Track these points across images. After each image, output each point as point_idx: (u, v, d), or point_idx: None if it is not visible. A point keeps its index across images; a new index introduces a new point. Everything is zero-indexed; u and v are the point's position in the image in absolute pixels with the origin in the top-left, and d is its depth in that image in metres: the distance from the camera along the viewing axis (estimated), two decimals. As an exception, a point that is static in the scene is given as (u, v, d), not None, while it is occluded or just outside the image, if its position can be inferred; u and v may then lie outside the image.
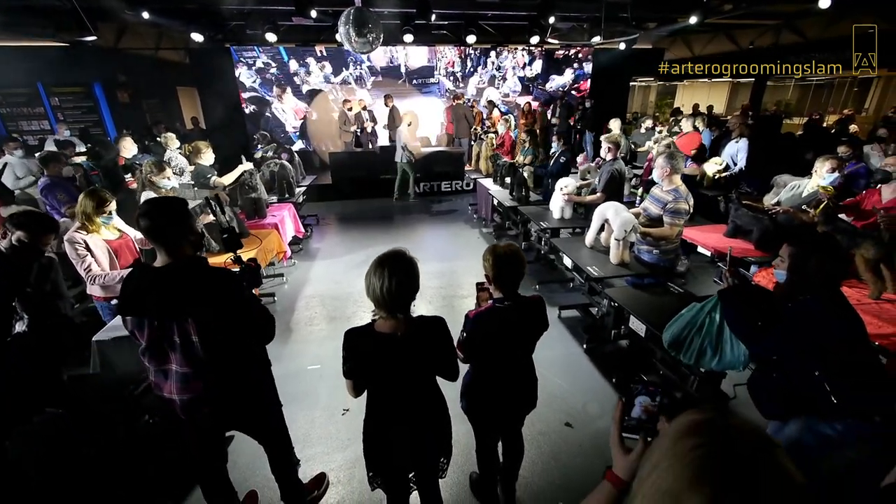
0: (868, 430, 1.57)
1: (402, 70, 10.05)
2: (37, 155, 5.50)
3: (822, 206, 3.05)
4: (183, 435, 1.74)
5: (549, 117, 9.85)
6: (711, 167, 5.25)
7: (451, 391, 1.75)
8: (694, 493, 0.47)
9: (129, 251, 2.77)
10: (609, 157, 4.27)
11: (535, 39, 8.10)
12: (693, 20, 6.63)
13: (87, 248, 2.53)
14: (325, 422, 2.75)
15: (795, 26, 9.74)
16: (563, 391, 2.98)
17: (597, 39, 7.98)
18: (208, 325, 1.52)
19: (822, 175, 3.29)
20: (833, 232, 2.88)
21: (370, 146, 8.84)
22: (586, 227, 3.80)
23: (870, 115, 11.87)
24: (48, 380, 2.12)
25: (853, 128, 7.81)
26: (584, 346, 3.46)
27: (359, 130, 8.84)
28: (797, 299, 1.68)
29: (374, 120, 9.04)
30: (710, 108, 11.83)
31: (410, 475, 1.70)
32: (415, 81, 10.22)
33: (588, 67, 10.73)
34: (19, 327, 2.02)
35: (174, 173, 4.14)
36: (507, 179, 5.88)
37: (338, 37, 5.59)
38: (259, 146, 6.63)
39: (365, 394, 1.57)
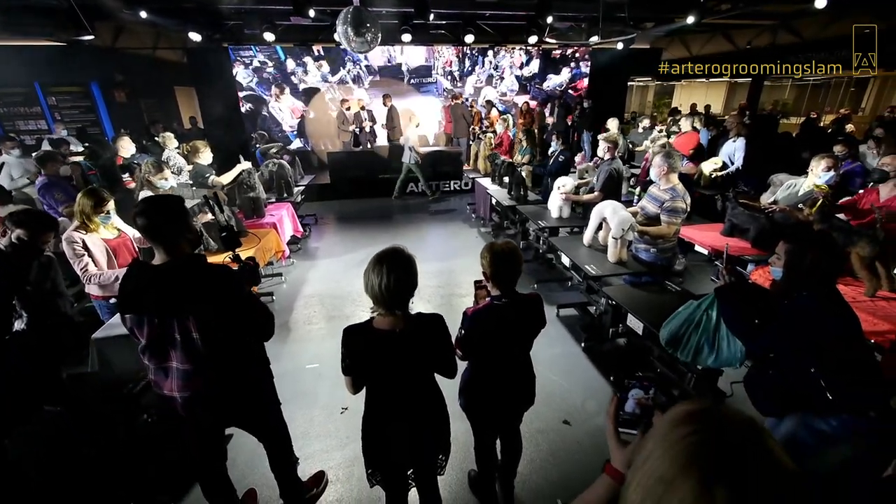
0: (863, 426, 1.59)
1: (405, 69, 10.06)
2: (33, 155, 5.48)
3: (818, 205, 3.06)
4: (183, 433, 1.74)
5: (545, 117, 9.88)
6: (708, 166, 5.27)
7: (449, 389, 1.76)
8: (686, 478, 0.48)
9: (128, 250, 2.77)
10: (607, 156, 4.29)
11: (532, 39, 8.12)
12: (690, 20, 6.66)
13: (85, 248, 2.54)
14: (324, 420, 2.76)
15: (792, 26, 9.78)
16: (562, 389, 2.99)
17: (594, 39, 8.01)
18: (209, 322, 1.52)
19: (818, 174, 3.31)
20: (829, 230, 2.90)
21: (369, 145, 8.84)
22: (584, 226, 3.82)
23: (866, 115, 11.93)
24: (47, 378, 2.12)
25: (849, 127, 7.84)
26: (583, 344, 3.47)
27: (357, 130, 8.84)
28: (793, 296, 1.69)
29: (373, 120, 9.05)
30: (707, 107, 11.88)
31: (409, 472, 1.70)
32: (413, 81, 10.24)
33: (585, 67, 10.76)
34: (18, 325, 2.02)
35: (172, 173, 4.14)
36: (506, 179, 5.89)
37: (336, 36, 5.60)
38: (257, 145, 6.63)
39: (364, 391, 1.58)
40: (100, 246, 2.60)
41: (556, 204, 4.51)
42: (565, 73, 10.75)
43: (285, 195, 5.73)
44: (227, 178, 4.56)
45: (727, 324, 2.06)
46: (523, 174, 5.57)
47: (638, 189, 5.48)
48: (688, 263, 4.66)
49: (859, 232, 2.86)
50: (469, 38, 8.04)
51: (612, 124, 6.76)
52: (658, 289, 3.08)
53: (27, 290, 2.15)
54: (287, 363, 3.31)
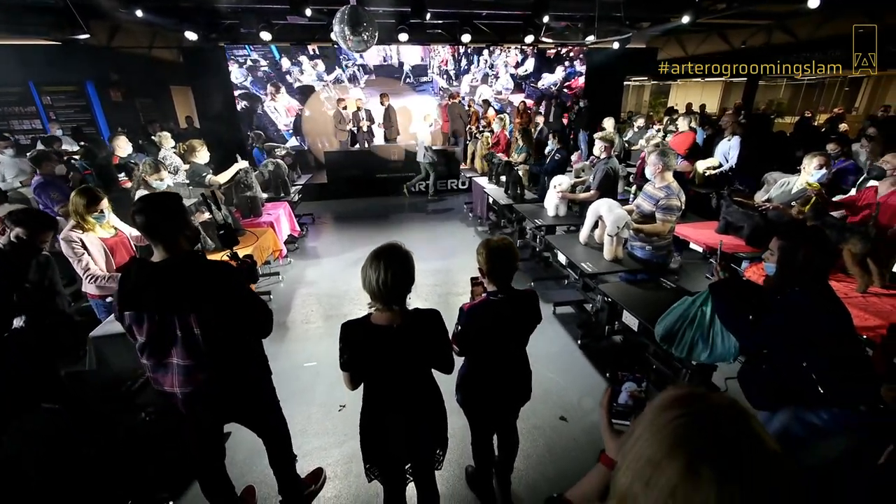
0: (854, 420, 1.61)
1: (407, 68, 10.09)
2: (28, 155, 5.46)
3: (811, 202, 3.10)
4: (182, 430, 1.75)
5: (539, 115, 9.87)
6: (703, 165, 5.32)
7: (447, 385, 1.77)
8: (673, 459, 0.50)
9: (125, 249, 2.77)
10: (603, 155, 4.31)
11: (529, 38, 8.15)
12: (685, 20, 6.70)
13: (84, 247, 2.53)
14: (322, 418, 2.77)
15: (786, 26, 9.85)
16: (558, 386, 3.02)
17: (591, 39, 8.03)
18: (209, 319, 1.53)
19: (811, 172, 3.35)
20: (822, 227, 2.93)
21: (366, 145, 8.85)
22: (580, 224, 3.84)
23: (860, 114, 12.03)
24: (45, 376, 2.12)
25: (843, 126, 7.91)
26: (579, 341, 3.50)
27: (355, 129, 8.84)
28: (786, 292, 1.72)
29: (370, 119, 9.04)
30: (702, 107, 11.95)
31: (407, 467, 1.72)
32: (409, 80, 10.25)
33: (579, 65, 10.80)
34: (18, 323, 2.02)
35: (169, 172, 4.13)
36: (503, 178, 5.91)
37: (333, 35, 5.60)
38: (255, 145, 6.63)
39: (362, 387, 1.59)
40: (97, 245, 2.60)
41: (552, 202, 4.54)
42: (559, 72, 10.79)
43: (282, 194, 5.73)
44: (223, 177, 4.55)
45: (721, 319, 2.08)
46: (520, 173, 5.59)
47: (634, 188, 5.51)
48: (683, 261, 4.69)
49: (851, 229, 2.90)
50: (466, 38, 8.05)
51: (609, 123, 6.80)
52: (653, 286, 3.10)
53: (26, 289, 2.15)
54: (285, 361, 3.31)
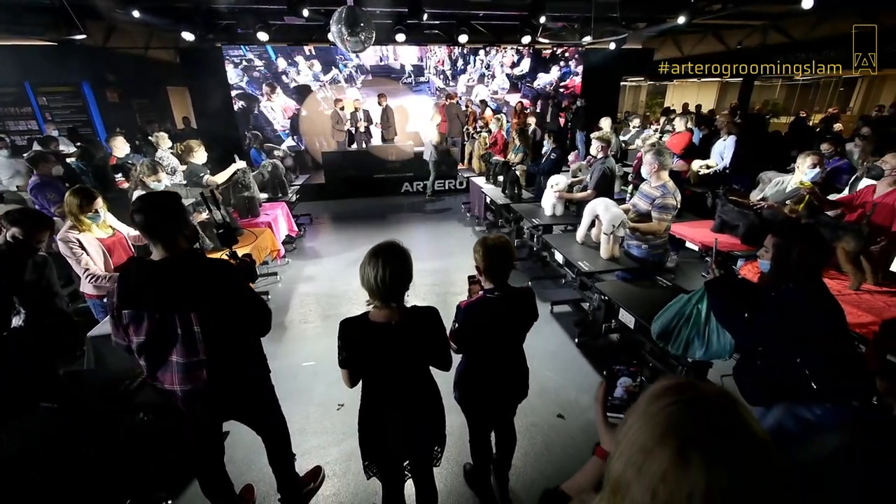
0: (847, 416, 1.63)
1: (408, 68, 10.13)
2: (24, 156, 5.45)
3: (805, 201, 3.13)
4: (182, 429, 1.76)
5: (531, 116, 9.90)
6: (697, 164, 5.36)
7: (445, 385, 1.79)
8: (664, 446, 0.51)
9: (123, 248, 2.77)
10: (600, 155, 4.34)
11: (526, 39, 8.17)
12: (681, 20, 6.74)
13: (81, 247, 2.53)
14: (321, 417, 2.78)
15: (781, 27, 9.93)
16: (556, 384, 3.03)
17: (587, 39, 8.07)
18: (209, 316, 1.54)
19: (804, 171, 3.38)
20: (816, 225, 2.96)
21: (364, 145, 8.86)
22: (577, 223, 3.86)
23: (854, 115, 12.12)
24: (44, 375, 2.12)
25: (837, 126, 7.97)
26: (576, 340, 3.52)
27: (352, 129, 8.85)
28: (780, 288, 1.74)
29: (369, 120, 9.05)
30: (698, 107, 12.02)
31: (405, 464, 1.73)
32: (408, 80, 10.27)
33: (574, 65, 10.85)
34: (16, 322, 2.02)
35: (166, 173, 4.13)
36: (500, 178, 5.93)
37: (330, 36, 5.60)
38: (252, 145, 6.64)
39: (360, 385, 1.60)
40: (95, 245, 2.60)
41: (549, 202, 4.56)
42: (555, 72, 10.84)
43: (280, 195, 5.73)
44: (221, 177, 4.55)
45: (717, 317, 2.10)
46: (517, 173, 5.61)
47: (630, 187, 5.54)
48: (679, 260, 4.73)
49: (845, 227, 2.93)
50: (463, 38, 8.07)
51: (605, 123, 6.83)
52: (649, 284, 3.12)
53: (24, 288, 2.15)
54: (283, 361, 3.32)
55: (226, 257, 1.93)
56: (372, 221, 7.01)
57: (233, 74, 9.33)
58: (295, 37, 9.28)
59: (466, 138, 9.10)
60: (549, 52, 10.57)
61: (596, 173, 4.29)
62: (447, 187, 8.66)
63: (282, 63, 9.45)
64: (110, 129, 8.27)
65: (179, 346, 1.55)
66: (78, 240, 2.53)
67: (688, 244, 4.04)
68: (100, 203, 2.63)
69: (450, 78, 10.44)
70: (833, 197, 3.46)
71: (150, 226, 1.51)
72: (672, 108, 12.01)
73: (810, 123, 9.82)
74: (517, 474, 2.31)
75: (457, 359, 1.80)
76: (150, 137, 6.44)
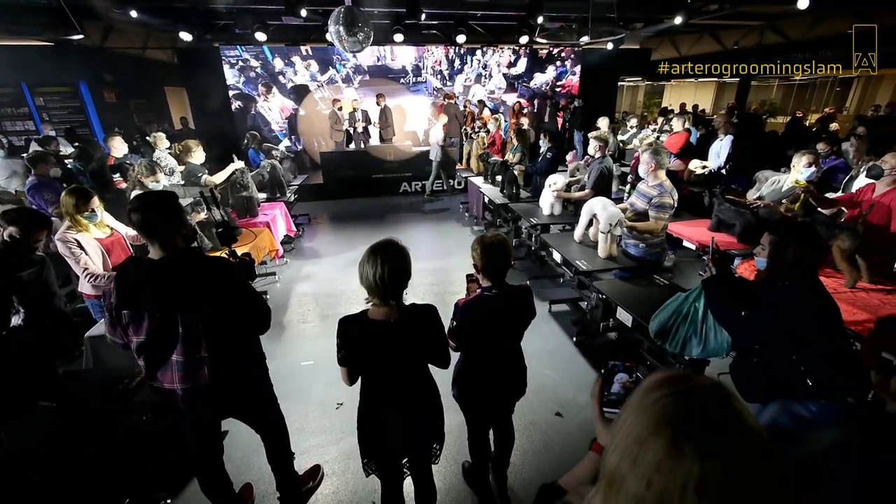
0: (843, 412, 1.65)
1: (409, 68, 10.14)
2: (24, 156, 5.43)
3: (800, 200, 3.15)
4: (182, 428, 1.76)
5: (524, 116, 9.90)
6: (695, 164, 5.38)
7: (444, 384, 1.79)
8: (658, 436, 0.52)
9: (122, 248, 2.77)
10: (598, 154, 4.36)
11: (524, 39, 8.19)
12: (678, 20, 6.77)
13: (80, 247, 2.53)
14: (319, 416, 2.78)
15: (778, 27, 9.97)
16: (554, 383, 3.04)
17: (585, 39, 8.10)
18: (209, 315, 1.54)
19: (800, 170, 3.40)
20: (812, 223, 2.98)
21: (362, 145, 8.86)
22: (575, 223, 3.88)
23: (850, 114, 12.18)
24: (44, 375, 2.12)
25: (834, 126, 8.01)
26: (574, 338, 3.53)
27: (350, 129, 8.85)
28: (776, 285, 1.75)
29: (367, 120, 9.05)
30: (695, 107, 12.07)
31: (404, 461, 1.74)
32: (406, 79, 10.28)
33: (570, 65, 10.88)
34: (15, 321, 2.02)
35: (164, 174, 4.13)
36: (498, 177, 5.94)
37: (328, 36, 5.61)
38: (251, 145, 6.63)
39: (359, 383, 1.61)
40: (94, 245, 2.59)
41: (547, 201, 4.57)
42: (551, 72, 10.86)
43: (278, 195, 5.73)
44: (219, 177, 4.55)
45: (714, 314, 2.11)
46: (515, 173, 5.63)
47: (628, 187, 5.56)
48: (676, 259, 4.75)
49: (840, 225, 2.95)
50: (461, 39, 8.08)
51: (603, 123, 6.86)
52: (647, 283, 3.14)
53: (22, 288, 2.15)
54: (282, 360, 3.32)
55: (226, 255, 1.93)
56: (370, 221, 7.01)
57: (229, 75, 9.31)
58: (293, 37, 9.28)
59: (464, 138, 9.11)
60: (545, 52, 10.60)
61: (593, 173, 4.30)
62: (445, 187, 8.67)
63: (279, 63, 9.44)
64: (108, 129, 8.25)
65: (180, 345, 1.55)
66: (76, 240, 2.52)
67: (685, 243, 4.06)
68: (96, 202, 2.62)
69: (447, 78, 10.45)
70: (832, 195, 3.48)
71: (146, 225, 1.51)
72: (670, 108, 12.06)
73: (807, 123, 9.86)
74: (515, 472, 2.32)
75: (455, 357, 1.81)
76: (147, 138, 6.44)
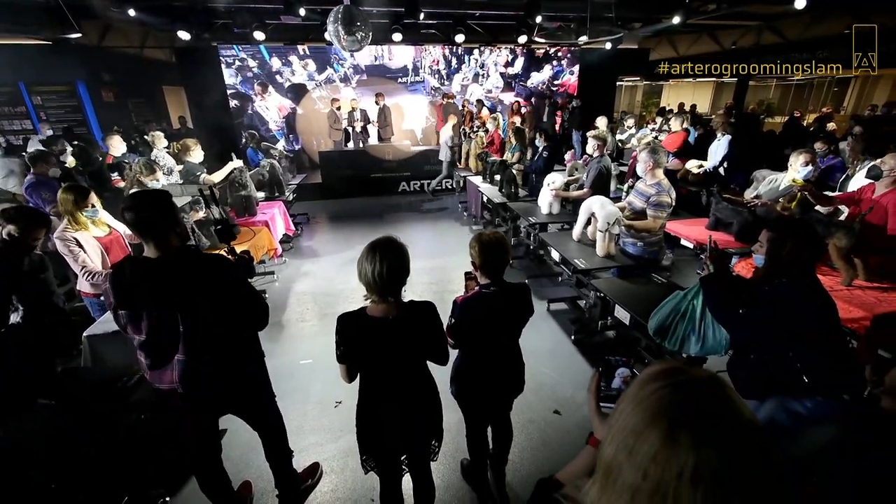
0: (839, 409, 1.65)
1: (410, 67, 10.13)
2: (23, 154, 5.41)
3: (797, 199, 3.16)
4: (181, 426, 1.76)
5: (517, 115, 9.91)
6: (691, 164, 5.40)
7: (443, 383, 1.80)
8: (655, 427, 0.53)
9: (120, 247, 2.76)
10: (596, 153, 4.37)
11: (522, 39, 8.19)
12: (676, 20, 6.78)
13: (79, 245, 2.52)
14: (318, 414, 2.79)
15: (776, 27, 10.00)
16: (553, 381, 3.05)
17: (583, 39, 8.10)
18: (208, 313, 1.54)
19: (797, 169, 3.41)
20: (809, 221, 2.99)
21: (361, 144, 8.85)
22: (574, 222, 3.88)
23: (847, 114, 12.22)
24: (43, 373, 2.12)
25: (831, 126, 8.04)
26: (572, 337, 3.54)
27: (349, 128, 8.84)
28: (773, 282, 1.76)
29: (366, 119, 9.04)
30: (693, 107, 12.09)
31: (403, 458, 1.74)
32: (404, 79, 10.28)
33: (567, 64, 10.90)
34: (14, 318, 2.01)
35: (163, 173, 4.12)
36: (497, 177, 5.95)
37: (327, 35, 5.60)
38: (250, 145, 6.64)
39: (357, 381, 1.61)
40: (93, 244, 2.59)
41: (546, 200, 4.58)
42: (547, 71, 10.88)
43: (277, 194, 5.73)
44: (218, 176, 4.55)
45: (712, 312, 2.11)
46: (514, 172, 5.63)
47: (626, 186, 5.57)
48: (674, 258, 4.76)
49: (837, 224, 2.96)
50: (459, 38, 8.09)
51: (601, 122, 6.88)
52: (645, 281, 3.15)
53: (21, 286, 2.14)
54: (280, 359, 3.32)
55: (224, 253, 1.93)
56: (369, 221, 7.01)
57: (227, 74, 9.30)
58: (291, 36, 9.26)
59: (463, 137, 9.12)
60: (542, 51, 10.62)
61: (592, 172, 4.31)
62: (444, 186, 8.68)
63: (276, 63, 9.43)
64: (106, 128, 8.23)
65: (182, 345, 1.55)
66: (75, 238, 2.52)
67: (683, 242, 4.08)
68: (94, 199, 2.62)
69: (445, 77, 10.45)
70: (834, 194, 3.49)
71: (141, 223, 1.50)
72: (668, 108, 12.08)
73: (804, 123, 9.90)
74: (514, 469, 2.33)
75: (453, 354, 1.82)
76: (146, 137, 6.43)
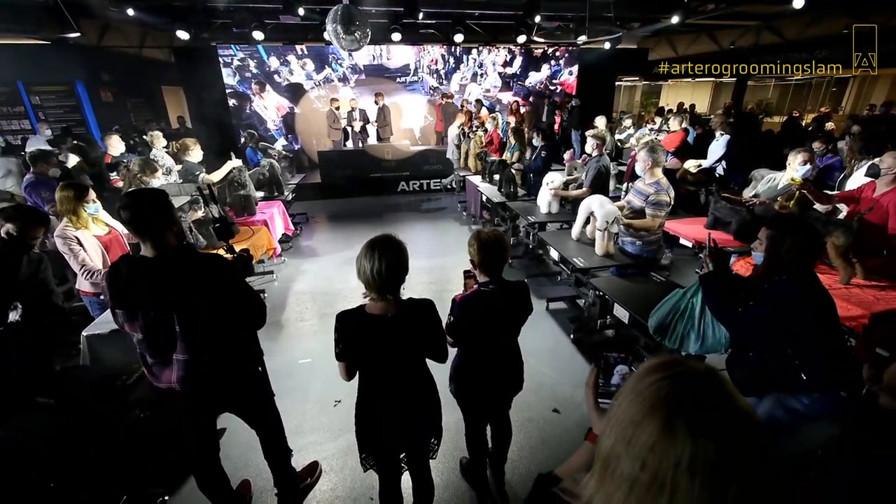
0: (837, 405, 1.66)
1: (410, 66, 10.14)
2: (23, 153, 5.40)
3: (795, 197, 3.17)
4: (181, 425, 1.76)
5: (513, 115, 9.90)
6: (689, 164, 5.42)
7: (442, 380, 1.80)
8: (652, 417, 0.53)
9: (120, 246, 2.76)
10: (595, 153, 4.37)
11: (521, 38, 8.20)
12: (675, 20, 6.80)
13: (80, 244, 2.52)
14: (317, 413, 2.78)
15: (774, 27, 10.02)
16: (552, 380, 3.05)
17: (582, 39, 8.11)
18: (205, 312, 1.54)
19: (795, 167, 3.42)
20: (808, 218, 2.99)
21: (360, 144, 8.85)
22: (573, 221, 3.89)
23: (846, 114, 12.24)
24: (42, 372, 2.12)
25: (829, 125, 8.06)
26: (572, 336, 3.54)
27: (349, 128, 8.84)
28: (773, 280, 1.76)
29: (365, 119, 9.04)
30: (691, 106, 12.11)
31: (402, 456, 1.74)
32: (399, 79, 10.28)
33: (564, 64, 10.92)
34: (13, 316, 2.01)
35: (162, 173, 4.12)
36: (496, 176, 5.95)
37: (326, 35, 5.61)
38: (249, 144, 6.63)
39: (357, 379, 1.61)
40: (93, 243, 2.59)
41: (545, 200, 4.58)
42: (545, 70, 10.89)
43: (276, 194, 5.73)
44: (216, 175, 4.55)
45: (711, 310, 2.12)
46: (513, 171, 5.64)
47: (625, 185, 5.58)
48: (673, 257, 4.77)
49: (835, 222, 2.97)
50: (458, 38, 8.09)
51: (600, 122, 6.89)
52: (644, 280, 3.15)
53: (20, 285, 2.14)
54: (280, 358, 3.32)
55: (223, 252, 1.93)
56: (368, 220, 7.01)
57: (225, 74, 9.28)
58: (290, 36, 9.26)
59: (462, 137, 9.12)
60: (540, 51, 10.63)
61: (591, 171, 4.32)
62: (443, 186, 8.69)
63: (274, 62, 9.42)
64: (105, 128, 8.21)
65: (181, 344, 1.55)
66: (76, 237, 2.52)
67: (681, 241, 4.08)
68: (93, 195, 2.61)
69: (443, 77, 10.46)
70: (835, 193, 3.49)
71: (137, 222, 1.49)
72: (667, 107, 12.09)
73: (803, 123, 9.92)
74: (513, 468, 2.33)
75: (452, 353, 1.82)
76: (144, 136, 6.42)
